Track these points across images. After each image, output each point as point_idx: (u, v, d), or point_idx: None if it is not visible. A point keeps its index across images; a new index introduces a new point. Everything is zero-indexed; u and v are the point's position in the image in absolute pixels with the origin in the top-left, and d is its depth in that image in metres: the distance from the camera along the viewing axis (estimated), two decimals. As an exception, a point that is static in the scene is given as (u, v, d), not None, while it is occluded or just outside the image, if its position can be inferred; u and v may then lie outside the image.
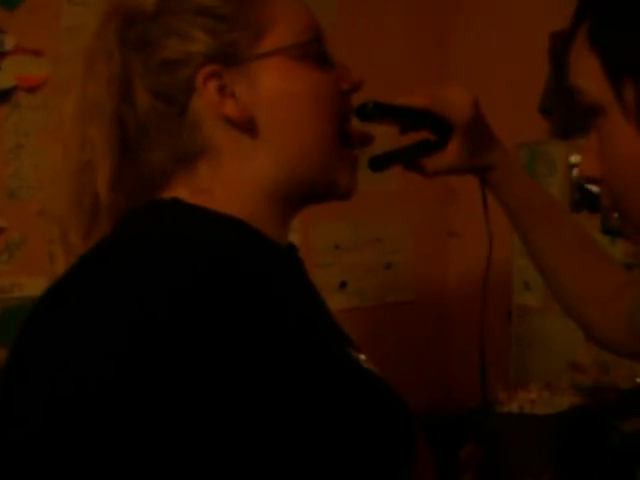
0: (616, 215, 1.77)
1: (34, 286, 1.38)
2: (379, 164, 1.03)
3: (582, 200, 1.88)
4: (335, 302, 1.93)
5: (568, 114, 1.85)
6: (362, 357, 0.81)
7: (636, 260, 1.74)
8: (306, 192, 0.86)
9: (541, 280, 1.17)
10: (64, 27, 1.57)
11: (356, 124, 0.93)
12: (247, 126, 0.82)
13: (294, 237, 1.82)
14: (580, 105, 0.72)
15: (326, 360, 0.75)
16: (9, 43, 1.54)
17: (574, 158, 1.88)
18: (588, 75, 0.69)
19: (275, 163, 0.83)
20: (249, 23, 0.82)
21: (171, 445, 0.65)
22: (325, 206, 1.81)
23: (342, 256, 1.97)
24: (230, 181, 0.83)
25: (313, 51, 0.85)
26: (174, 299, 0.67)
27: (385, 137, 1.02)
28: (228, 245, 0.78)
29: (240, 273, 0.74)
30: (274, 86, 0.82)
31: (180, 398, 0.65)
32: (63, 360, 0.68)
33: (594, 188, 1.79)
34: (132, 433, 0.65)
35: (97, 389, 0.65)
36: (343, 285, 1.98)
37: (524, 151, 1.96)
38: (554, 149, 1.93)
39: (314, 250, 1.90)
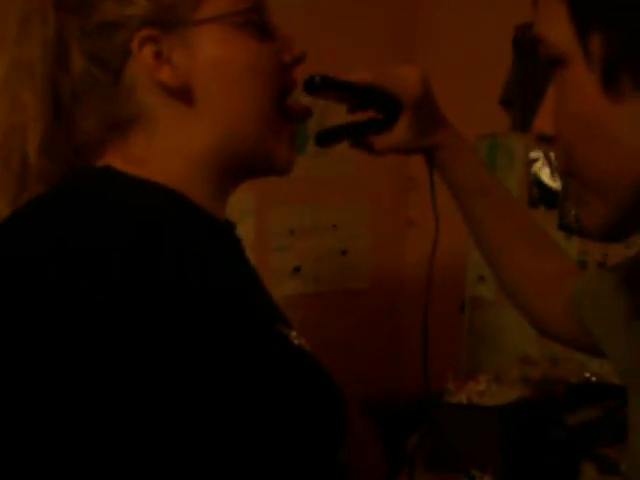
0: (573, 212, 1.78)
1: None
2: (325, 139, 1.02)
3: (540, 196, 1.90)
4: (288, 287, 1.95)
5: (529, 106, 1.86)
6: (294, 334, 0.80)
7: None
8: (242, 165, 0.85)
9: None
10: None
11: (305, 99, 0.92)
12: (183, 94, 0.80)
13: (249, 220, 1.83)
14: (542, 56, 0.71)
15: (252, 334, 0.74)
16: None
17: (534, 153, 1.90)
18: (554, 24, 0.68)
19: (210, 133, 0.81)
20: None
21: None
22: (281, 190, 1.81)
23: (297, 241, 1.96)
24: (164, 150, 0.81)
25: (253, 20, 0.83)
26: (79, 267, 0.66)
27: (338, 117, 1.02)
28: (152, 210, 0.76)
29: (161, 239, 0.72)
30: (211, 54, 0.80)
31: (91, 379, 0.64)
32: None
33: (552, 184, 1.82)
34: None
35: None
36: (297, 270, 1.97)
37: (485, 143, 1.97)
38: (515, 143, 1.94)
39: (269, 234, 1.89)
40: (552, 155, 1.86)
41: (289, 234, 1.95)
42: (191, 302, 0.69)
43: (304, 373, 0.76)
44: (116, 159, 0.80)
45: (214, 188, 0.84)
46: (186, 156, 0.81)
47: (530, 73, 1.83)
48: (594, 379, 1.63)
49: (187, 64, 0.79)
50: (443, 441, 1.57)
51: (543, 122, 0.73)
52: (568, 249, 1.76)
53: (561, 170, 0.74)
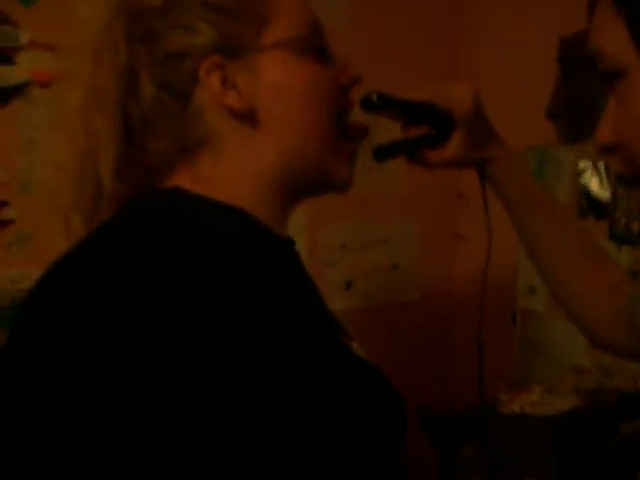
0: (623, 221, 1.77)
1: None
2: (383, 154, 1.05)
3: (589, 206, 1.89)
4: (340, 302, 1.97)
5: (575, 118, 1.86)
6: (355, 345, 0.82)
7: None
8: (304, 183, 0.88)
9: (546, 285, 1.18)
10: (78, 21, 1.58)
11: (359, 116, 0.95)
12: (248, 117, 0.84)
13: (302, 236, 1.85)
14: (600, 69, 0.72)
15: (322, 346, 0.77)
16: (24, 38, 1.57)
17: (582, 164, 1.89)
18: (611, 38, 0.70)
19: (274, 153, 0.85)
20: (251, 16, 0.84)
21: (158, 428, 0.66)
22: (333, 206, 1.83)
23: (348, 256, 1.98)
24: (231, 170, 0.84)
25: (313, 45, 0.87)
26: (169, 282, 0.68)
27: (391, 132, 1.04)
28: (227, 231, 0.79)
29: (237, 258, 0.75)
30: (275, 78, 0.84)
31: (172, 380, 0.66)
32: (50, 343, 0.69)
33: (602, 194, 1.81)
34: (117, 419, 0.66)
35: (83, 373, 0.66)
36: (349, 285, 1.99)
37: (533, 155, 1.97)
38: (563, 154, 1.94)
39: (321, 249, 1.92)
40: (601, 165, 1.86)
41: (340, 249, 1.97)
42: (266, 316, 0.72)
43: (368, 381, 0.78)
44: (184, 179, 0.84)
45: (277, 206, 0.87)
46: (251, 175, 0.85)
47: (576, 85, 1.83)
48: (648, 389, 1.62)
49: (252, 89, 0.83)
50: (498, 452, 1.58)
51: (605, 133, 0.74)
52: (619, 259, 1.76)
53: (625, 178, 0.76)
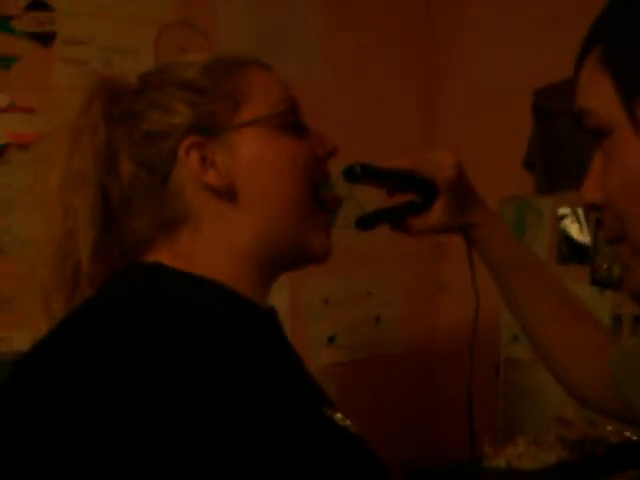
0: (605, 266, 1.78)
1: (23, 341, 1.38)
2: (366, 224, 1.06)
3: (570, 252, 1.90)
4: (324, 356, 1.95)
5: (552, 168, 1.88)
6: (339, 416, 0.82)
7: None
8: (283, 257, 0.89)
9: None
10: (56, 85, 1.60)
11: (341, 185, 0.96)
12: (227, 193, 0.85)
13: (284, 292, 1.85)
14: (588, 127, 0.72)
15: (303, 422, 0.76)
16: (3, 101, 1.57)
17: (562, 210, 1.91)
18: (599, 96, 0.70)
19: (253, 228, 0.86)
20: (227, 95, 0.85)
21: None
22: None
23: (332, 310, 1.97)
24: (210, 246, 0.85)
25: (288, 121, 0.88)
26: (155, 364, 0.68)
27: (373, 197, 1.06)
28: (210, 308, 0.79)
29: (221, 336, 0.75)
30: (252, 155, 0.85)
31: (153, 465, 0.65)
32: (30, 423, 0.68)
33: (582, 239, 1.82)
34: None
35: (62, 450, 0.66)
36: (332, 339, 1.98)
37: (512, 204, 1.98)
38: (541, 201, 1.95)
39: (304, 305, 1.91)
40: (580, 211, 1.87)
41: (323, 304, 1.97)
42: (251, 394, 0.71)
43: (351, 457, 0.78)
44: (164, 255, 0.84)
45: (257, 278, 0.88)
46: (230, 250, 0.85)
47: (551, 135, 1.85)
48: (635, 438, 1.61)
49: (230, 166, 0.85)
50: (485, 506, 1.56)
51: (591, 191, 0.74)
52: (602, 303, 1.76)
53: (611, 236, 0.75)
